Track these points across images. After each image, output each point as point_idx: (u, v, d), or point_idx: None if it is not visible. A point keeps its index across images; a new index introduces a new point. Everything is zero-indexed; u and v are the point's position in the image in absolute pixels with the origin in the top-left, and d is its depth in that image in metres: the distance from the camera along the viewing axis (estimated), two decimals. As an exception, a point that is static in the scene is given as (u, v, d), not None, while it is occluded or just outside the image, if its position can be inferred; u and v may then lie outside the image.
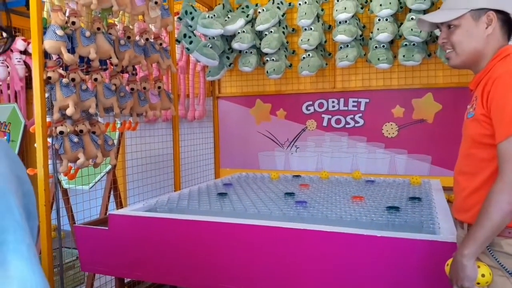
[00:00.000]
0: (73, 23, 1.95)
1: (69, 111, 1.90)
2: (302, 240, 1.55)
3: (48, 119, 1.92)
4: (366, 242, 1.47)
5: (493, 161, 1.13)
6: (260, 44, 2.97)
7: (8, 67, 3.44)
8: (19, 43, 3.35)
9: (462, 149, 1.29)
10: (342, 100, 3.18)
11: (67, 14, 2.00)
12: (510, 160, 1.07)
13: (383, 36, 2.65)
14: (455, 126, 2.88)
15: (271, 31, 2.93)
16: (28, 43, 3.40)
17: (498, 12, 1.23)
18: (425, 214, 1.74)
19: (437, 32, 2.46)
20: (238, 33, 2.94)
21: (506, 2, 1.25)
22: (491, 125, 1.13)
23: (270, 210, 1.88)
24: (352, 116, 3.16)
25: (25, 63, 3.62)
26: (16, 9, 3.63)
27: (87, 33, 1.98)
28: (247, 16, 2.99)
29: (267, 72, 3.00)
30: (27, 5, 2.89)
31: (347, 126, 3.18)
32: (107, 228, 1.92)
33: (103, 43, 2.06)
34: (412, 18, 2.61)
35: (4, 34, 3.14)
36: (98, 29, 2.05)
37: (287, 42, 3.11)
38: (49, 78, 1.89)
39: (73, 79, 1.94)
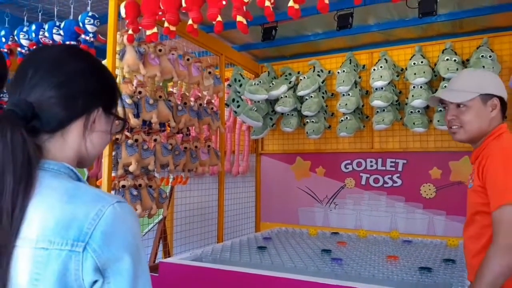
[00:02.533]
0: (140, 92, 2.28)
1: (131, 168, 2.18)
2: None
3: (113, 174, 2.21)
4: (395, 300, 1.56)
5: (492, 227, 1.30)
6: (301, 107, 3.22)
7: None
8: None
9: (467, 215, 1.46)
10: (380, 160, 3.31)
11: (134, 84, 2.35)
12: (501, 227, 1.24)
13: (418, 102, 2.82)
14: (494, 189, 2.91)
15: (311, 96, 3.18)
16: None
17: (499, 97, 1.48)
18: (456, 276, 1.80)
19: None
20: (281, 97, 3.22)
21: (503, 89, 1.51)
22: (487, 195, 1.32)
23: (306, 265, 2.01)
24: (390, 176, 3.27)
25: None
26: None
27: (151, 101, 2.31)
28: (289, 83, 3.27)
29: (307, 132, 3.22)
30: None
31: (385, 185, 3.28)
32: (157, 274, 2.11)
33: (163, 109, 2.37)
34: (445, 86, 2.76)
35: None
36: (160, 97, 2.38)
37: (326, 106, 3.34)
38: (117, 139, 2.20)
39: (136, 140, 2.24)
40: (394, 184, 3.24)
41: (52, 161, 0.79)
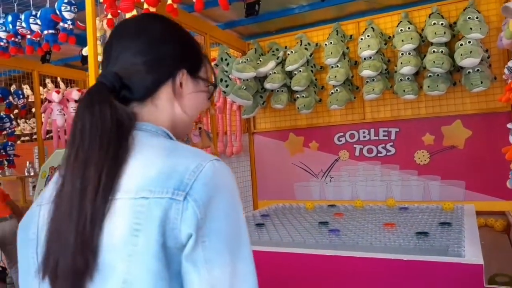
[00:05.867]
0: (125, 78, 2.24)
1: (122, 155, 2.15)
2: (332, 265, 1.68)
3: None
4: (393, 265, 1.58)
5: None
6: (290, 82, 3.18)
7: (64, 115, 3.84)
8: (74, 93, 3.74)
9: None
10: (372, 130, 3.31)
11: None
12: None
13: (407, 69, 2.79)
14: (487, 151, 2.93)
15: (300, 71, 3.14)
16: (82, 93, 3.80)
17: None
18: (452, 238, 1.82)
19: (464, 62, 2.58)
20: (270, 74, 3.19)
21: None
22: None
23: (303, 238, 2.02)
24: (383, 145, 3.27)
25: (79, 110, 4.01)
26: (72, 63, 4.09)
27: (137, 86, 2.27)
28: (277, 58, 3.23)
29: (298, 108, 3.20)
30: (82, 60, 3.28)
31: (379, 155, 3.29)
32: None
33: (150, 93, 2.33)
34: (433, 51, 2.74)
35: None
36: (146, 81, 2.34)
37: (316, 79, 3.31)
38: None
39: (125, 126, 2.21)
40: (388, 153, 3.25)
41: (149, 123, 0.80)
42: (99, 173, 0.69)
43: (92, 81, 2.17)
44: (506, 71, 2.09)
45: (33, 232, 0.78)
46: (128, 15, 2.21)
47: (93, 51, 2.16)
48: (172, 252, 0.66)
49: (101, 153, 0.70)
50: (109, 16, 2.17)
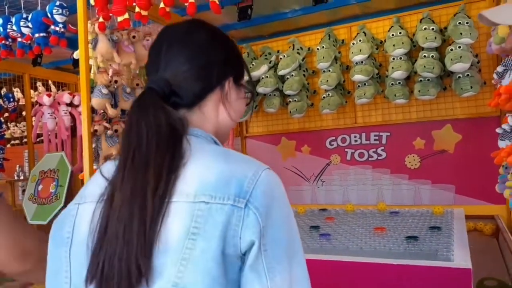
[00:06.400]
0: (116, 81, 2.24)
1: (113, 159, 2.15)
2: (322, 269, 1.68)
3: (94, 167, 2.18)
4: (383, 270, 1.59)
5: None
6: (282, 87, 3.19)
7: (55, 118, 3.80)
8: (65, 97, 3.71)
9: None
10: (363, 134, 3.32)
11: (110, 73, 2.30)
12: None
13: (398, 73, 2.81)
14: (476, 155, 2.95)
15: (292, 75, 3.15)
16: (73, 96, 3.77)
17: None
18: (441, 242, 1.83)
19: (455, 67, 2.61)
20: (262, 78, 3.19)
21: None
22: None
23: (295, 242, 2.02)
24: (374, 149, 3.29)
25: (70, 114, 3.98)
26: (63, 66, 4.06)
27: (128, 89, 2.27)
28: (269, 63, 3.24)
29: (290, 112, 3.21)
30: (73, 63, 3.27)
31: (370, 159, 3.30)
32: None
33: (141, 97, 2.33)
34: (424, 56, 2.77)
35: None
36: (137, 85, 2.34)
37: (308, 84, 3.32)
38: (96, 131, 2.16)
39: (116, 130, 2.21)
40: (379, 157, 3.26)
41: (199, 129, 0.82)
42: (158, 176, 0.70)
43: (83, 85, 2.16)
44: (495, 76, 2.11)
45: (67, 231, 0.77)
46: (120, 19, 2.21)
47: (84, 54, 2.15)
48: (231, 260, 0.66)
49: (159, 156, 0.71)
50: (101, 19, 2.16)
